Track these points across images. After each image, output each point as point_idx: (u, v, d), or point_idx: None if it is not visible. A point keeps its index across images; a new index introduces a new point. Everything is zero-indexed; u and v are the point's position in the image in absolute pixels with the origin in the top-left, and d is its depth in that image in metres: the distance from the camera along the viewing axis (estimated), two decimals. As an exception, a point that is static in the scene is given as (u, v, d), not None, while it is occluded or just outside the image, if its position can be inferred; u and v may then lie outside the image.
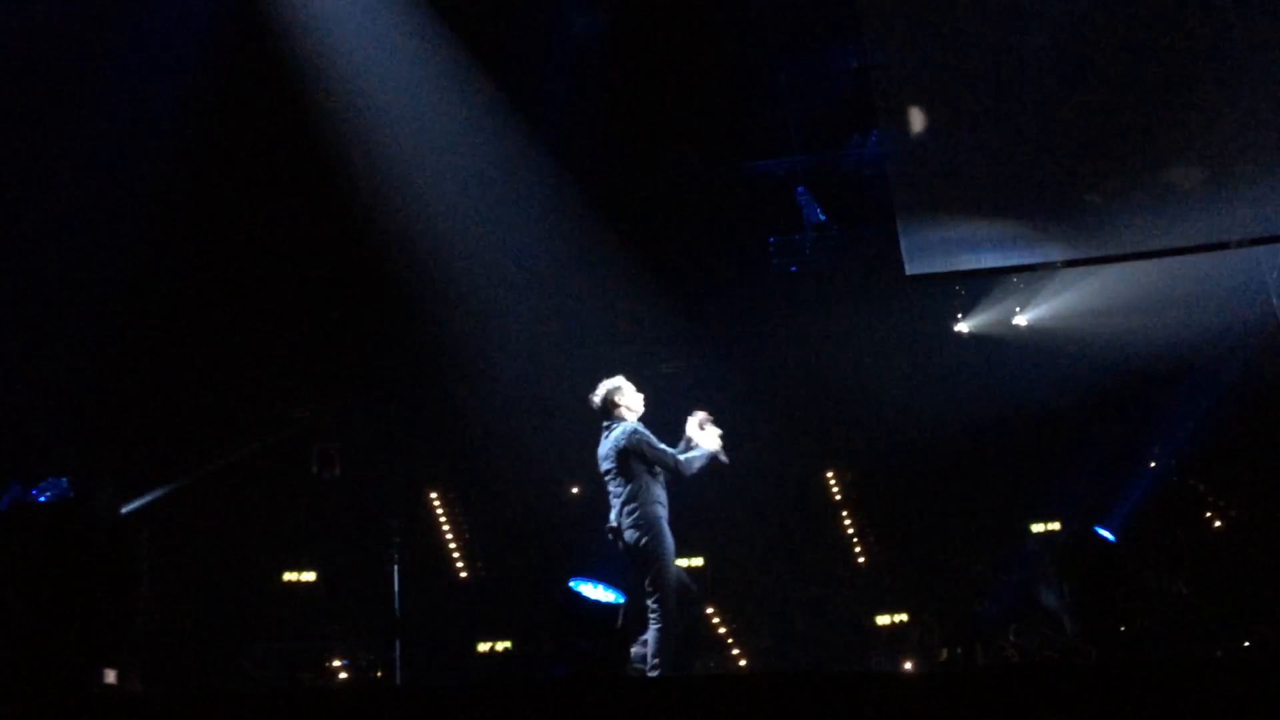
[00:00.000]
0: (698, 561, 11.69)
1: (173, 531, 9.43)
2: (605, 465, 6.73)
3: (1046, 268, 10.10)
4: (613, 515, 6.66)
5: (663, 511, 6.71)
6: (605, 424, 6.79)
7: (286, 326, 11.31)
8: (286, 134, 10.44)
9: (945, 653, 10.32)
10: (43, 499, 6.82)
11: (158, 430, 10.46)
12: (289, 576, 10.68)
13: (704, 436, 6.83)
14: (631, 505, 6.59)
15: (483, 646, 10.73)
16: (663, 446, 6.80)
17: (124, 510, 7.05)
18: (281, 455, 11.18)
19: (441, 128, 10.72)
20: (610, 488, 6.69)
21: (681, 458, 6.77)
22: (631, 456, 6.64)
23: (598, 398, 6.85)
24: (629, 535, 6.58)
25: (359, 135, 10.51)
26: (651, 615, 6.51)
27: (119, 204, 9.70)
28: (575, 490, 12.24)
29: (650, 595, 6.52)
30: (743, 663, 11.25)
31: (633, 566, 6.66)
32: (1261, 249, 10.19)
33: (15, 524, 6.36)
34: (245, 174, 10.70)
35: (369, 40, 10.21)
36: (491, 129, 10.90)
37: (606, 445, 6.75)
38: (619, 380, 6.92)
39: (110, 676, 6.11)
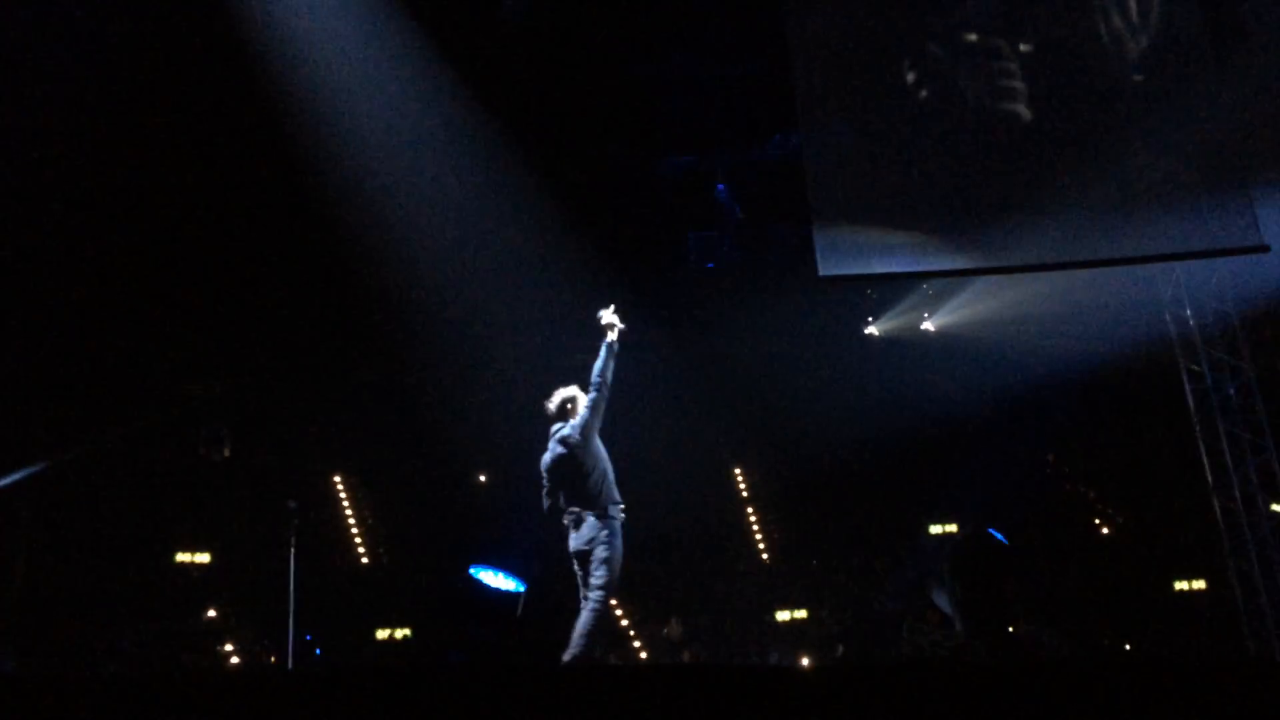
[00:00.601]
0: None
1: (62, 508, 9.08)
2: (560, 468, 6.72)
3: (955, 274, 10.32)
4: (559, 514, 6.71)
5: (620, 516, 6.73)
6: (555, 429, 6.79)
7: (187, 301, 10.92)
8: (188, 100, 10.07)
9: (841, 648, 10.50)
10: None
11: (44, 404, 10.03)
12: (182, 557, 10.35)
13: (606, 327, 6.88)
14: (577, 510, 6.64)
15: (381, 633, 10.56)
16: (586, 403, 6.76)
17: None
18: (179, 433, 10.84)
19: (352, 93, 10.46)
20: (560, 490, 6.69)
21: (595, 377, 6.77)
22: (571, 458, 6.62)
23: (554, 404, 6.87)
24: (571, 542, 6.64)
25: (273, 102, 10.21)
26: (592, 603, 6.57)
27: (33, 150, 9.28)
28: (482, 478, 12.13)
29: (596, 589, 6.59)
30: (644, 655, 11.30)
31: (578, 560, 6.69)
32: (1158, 268, 10.60)
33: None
34: (142, 139, 10.30)
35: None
36: (413, 99, 10.68)
37: (548, 454, 6.77)
38: (575, 389, 6.94)
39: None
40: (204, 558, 10.40)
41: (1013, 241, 9.34)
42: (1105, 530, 12.87)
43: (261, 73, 9.73)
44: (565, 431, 6.63)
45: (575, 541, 6.59)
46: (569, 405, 6.85)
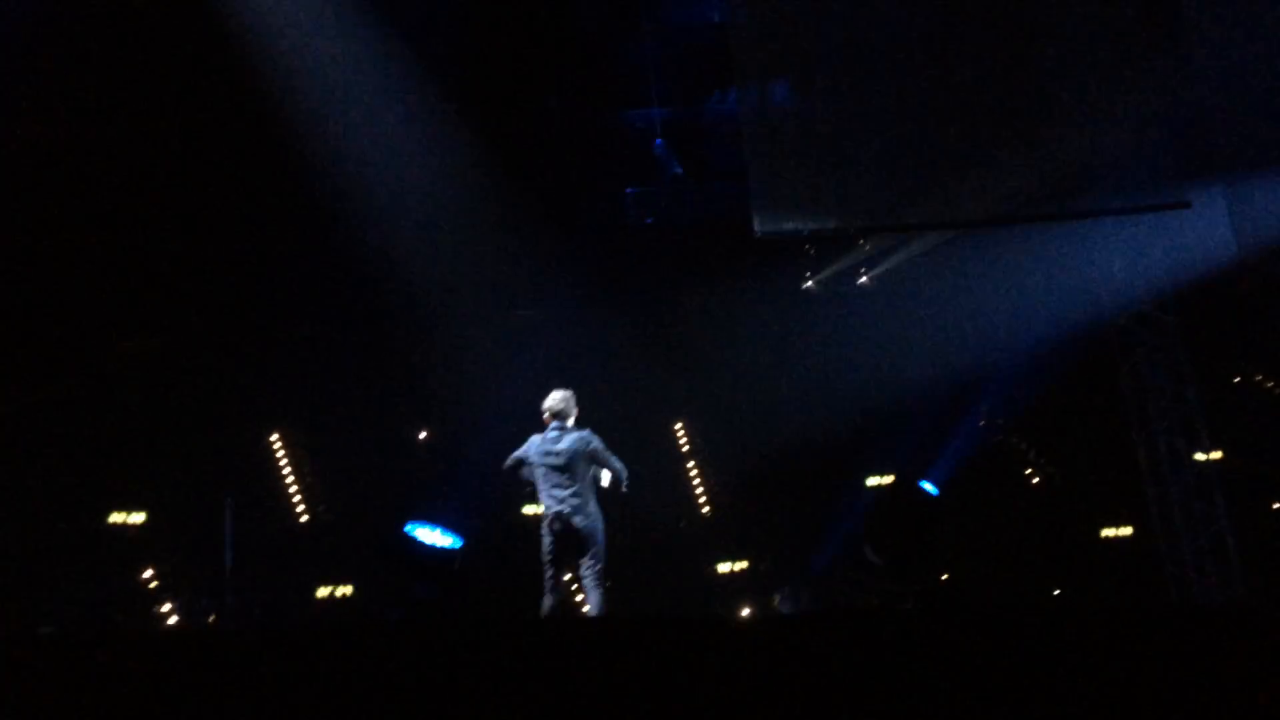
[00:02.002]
0: (541, 508, 11.75)
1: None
2: (560, 461, 7.54)
3: (890, 230, 10.45)
4: (555, 504, 7.51)
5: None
6: (556, 425, 7.61)
7: (122, 256, 10.65)
8: (123, 41, 9.78)
9: (779, 599, 10.71)
10: None
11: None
12: (116, 518, 10.19)
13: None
14: (581, 499, 7.53)
15: (322, 591, 10.53)
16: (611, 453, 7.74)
17: None
18: (111, 390, 10.62)
19: (293, 32, 10.23)
20: (555, 479, 7.52)
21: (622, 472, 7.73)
22: (586, 459, 7.58)
23: (559, 405, 7.67)
24: (578, 521, 7.50)
25: (213, 48, 9.94)
26: (593, 582, 7.62)
27: None
28: (423, 435, 12.08)
29: (592, 567, 7.62)
30: (585, 609, 11.40)
31: (575, 546, 7.58)
32: (1087, 224, 10.83)
33: None
34: (75, 83, 10.00)
35: None
36: (355, 45, 10.48)
37: (566, 444, 7.56)
38: (571, 392, 7.80)
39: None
40: (139, 518, 10.25)
41: (947, 198, 9.48)
42: (1036, 480, 13.21)
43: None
44: (597, 444, 7.64)
45: (582, 520, 7.46)
46: (570, 406, 7.70)
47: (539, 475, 7.50)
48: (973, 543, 10.73)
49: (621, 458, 11.80)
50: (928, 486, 8.83)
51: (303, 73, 10.41)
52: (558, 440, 7.54)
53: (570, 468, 7.49)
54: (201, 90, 10.20)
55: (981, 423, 12.82)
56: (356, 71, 10.66)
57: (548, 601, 7.56)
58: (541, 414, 7.65)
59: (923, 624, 5.95)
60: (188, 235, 10.88)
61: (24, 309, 10.20)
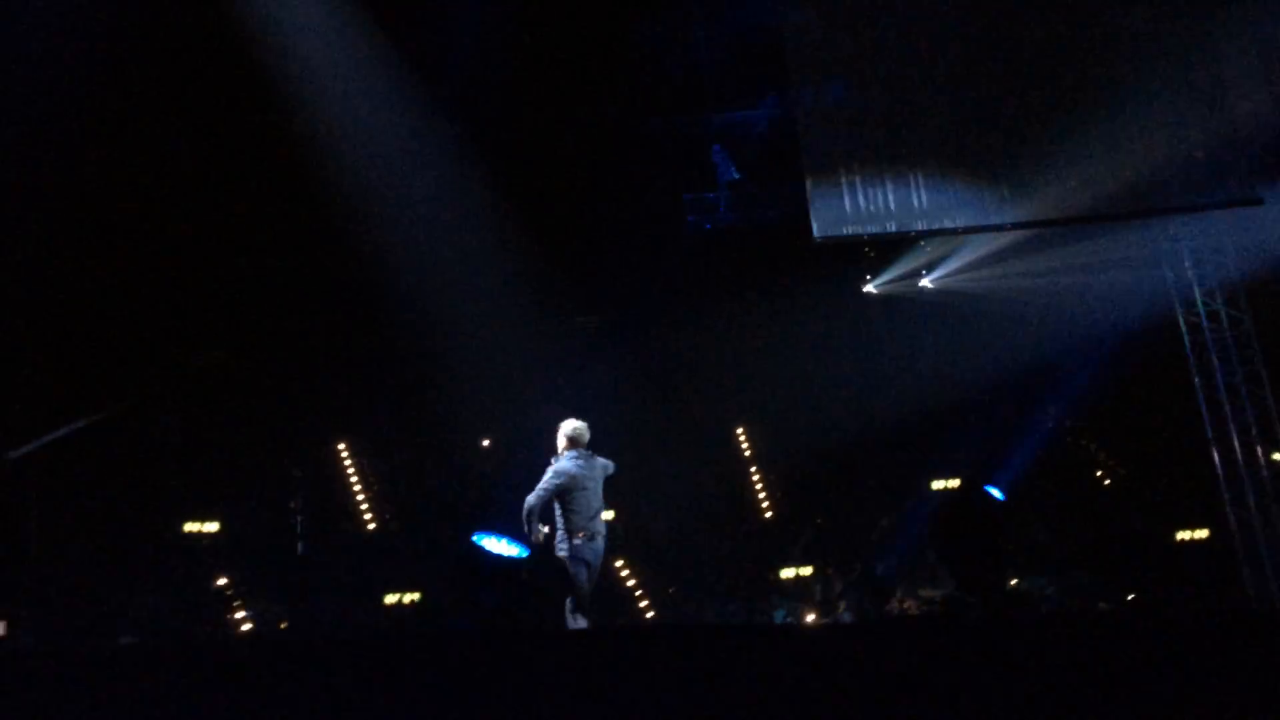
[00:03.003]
0: (608, 515, 11.81)
1: (70, 479, 9.16)
2: (596, 486, 7.78)
3: (951, 233, 10.33)
4: (598, 526, 7.69)
5: None
6: (581, 452, 7.79)
7: (192, 272, 10.96)
8: (200, 81, 10.16)
9: (843, 605, 10.63)
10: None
11: (52, 375, 10.10)
12: (190, 527, 10.45)
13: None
14: (602, 519, 7.76)
15: (390, 599, 10.68)
16: None
17: (12, 456, 6.83)
18: (184, 403, 10.91)
19: (341, 65, 10.48)
20: (596, 503, 7.72)
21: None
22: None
23: (585, 432, 7.86)
24: (603, 541, 7.69)
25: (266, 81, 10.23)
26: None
27: (34, 140, 9.43)
28: (485, 444, 12.21)
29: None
30: (650, 614, 11.43)
31: (598, 561, 7.68)
32: (1157, 222, 10.62)
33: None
34: (156, 112, 10.38)
35: None
36: (395, 81, 10.71)
37: (598, 470, 7.82)
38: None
39: (0, 628, 5.96)
40: (212, 527, 10.50)
41: (1011, 199, 9.35)
42: (1107, 482, 12.94)
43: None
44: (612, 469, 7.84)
45: (603, 546, 7.64)
46: (587, 435, 7.86)
47: (579, 499, 7.59)
48: (1042, 546, 10.55)
49: (683, 464, 11.91)
50: (994, 492, 8.70)
51: (357, 95, 10.65)
52: (592, 465, 7.73)
53: (600, 492, 7.72)
54: (271, 114, 10.48)
55: (1049, 424, 12.60)
56: (411, 86, 10.85)
57: (583, 623, 7.47)
58: (565, 440, 7.74)
59: (991, 630, 5.87)
60: (257, 255, 11.17)
61: (103, 328, 10.56)
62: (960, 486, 10.40)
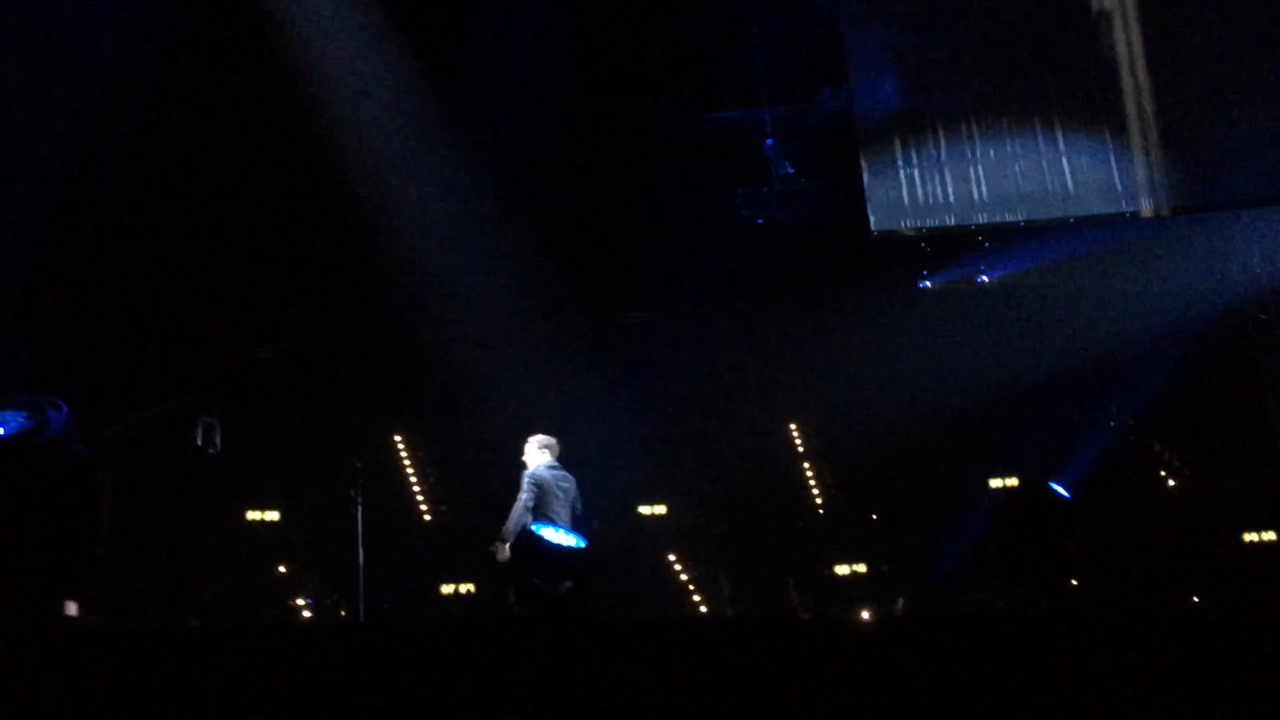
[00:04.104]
0: (660, 509, 11.83)
1: (136, 466, 9.38)
2: (565, 496, 8.19)
3: (1013, 226, 10.17)
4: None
5: None
6: (552, 462, 8.29)
7: (253, 265, 11.18)
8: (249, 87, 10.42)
9: (901, 602, 10.54)
10: (2, 432, 6.75)
11: (119, 365, 10.37)
12: (252, 515, 10.66)
13: None
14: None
15: (446, 588, 10.81)
16: None
17: (85, 444, 7.01)
18: (245, 394, 11.12)
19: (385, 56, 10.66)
20: (563, 510, 8.10)
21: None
22: None
23: (556, 445, 8.41)
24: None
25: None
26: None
27: (105, 131, 9.75)
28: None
29: None
30: (703, 610, 11.42)
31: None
32: (1226, 217, 10.37)
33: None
34: (213, 109, 10.64)
35: None
36: (447, 75, 10.85)
37: (567, 482, 8.28)
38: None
39: (72, 609, 6.12)
40: (273, 516, 10.70)
41: (1075, 192, 9.17)
42: (1172, 483, 12.68)
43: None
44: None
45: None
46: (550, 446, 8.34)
47: (554, 501, 7.98)
48: (1105, 548, 10.36)
49: (734, 459, 11.98)
50: (1059, 489, 8.54)
51: (403, 91, 10.81)
52: (562, 476, 8.18)
53: (569, 506, 8.12)
54: (324, 108, 10.67)
55: (1111, 423, 12.36)
56: (462, 82, 10.97)
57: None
58: (536, 451, 8.22)
59: (1054, 630, 5.79)
60: (314, 248, 11.36)
61: (166, 322, 10.82)
62: (1025, 483, 10.24)
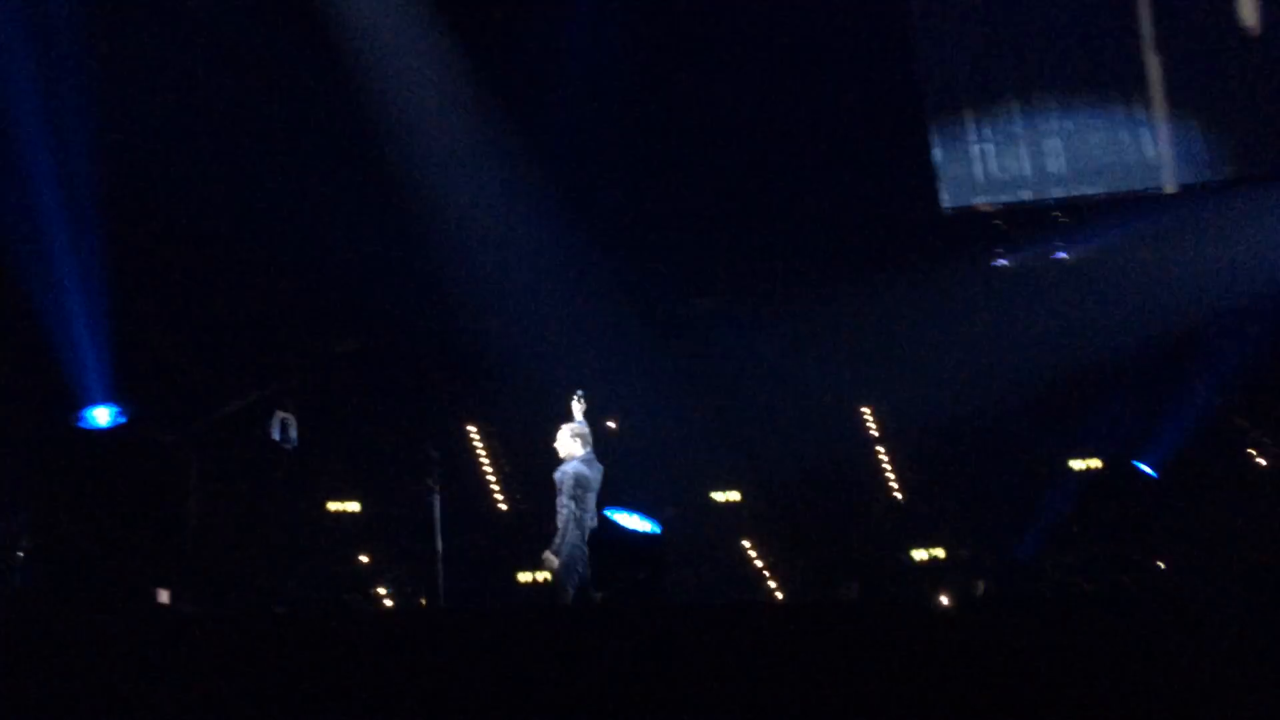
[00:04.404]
0: (734, 495, 11.80)
1: (221, 460, 9.64)
2: (598, 489, 7.98)
3: (1087, 200, 9.90)
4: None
5: None
6: (588, 454, 8.02)
7: (332, 261, 11.41)
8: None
9: (982, 586, 10.37)
10: (96, 426, 7.01)
11: (204, 361, 10.67)
12: (333, 506, 10.90)
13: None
14: None
15: (523, 577, 10.92)
16: None
17: (192, 429, 7.28)
18: (325, 389, 11.37)
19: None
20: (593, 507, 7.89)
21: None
22: None
23: (590, 437, 8.13)
24: None
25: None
26: None
27: (182, 134, 10.07)
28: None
29: None
30: (779, 596, 11.38)
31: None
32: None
33: (70, 451, 6.55)
34: (287, 108, 10.92)
35: None
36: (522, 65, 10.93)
37: (599, 472, 8.03)
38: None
39: (163, 596, 6.32)
40: (353, 507, 10.92)
41: (1150, 164, 8.90)
42: (1262, 462, 12.26)
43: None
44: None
45: None
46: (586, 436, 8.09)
47: (591, 498, 7.79)
48: (1192, 530, 10.06)
49: (806, 444, 11.87)
50: (1144, 468, 8.31)
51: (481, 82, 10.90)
52: (597, 468, 7.93)
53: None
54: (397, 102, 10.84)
55: (1197, 401, 11.99)
56: (539, 73, 11.03)
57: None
58: (572, 442, 7.95)
59: (1143, 610, 5.66)
60: (390, 243, 11.55)
61: (248, 318, 11.12)
62: (1110, 463, 9.99)
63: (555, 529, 7.82)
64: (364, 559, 10.58)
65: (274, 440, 7.02)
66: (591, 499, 7.76)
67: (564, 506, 7.73)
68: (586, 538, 7.62)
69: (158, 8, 10.25)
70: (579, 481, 7.73)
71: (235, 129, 10.69)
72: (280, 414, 7.09)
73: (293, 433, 7.08)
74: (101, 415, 7.18)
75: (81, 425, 7.20)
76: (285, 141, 11.04)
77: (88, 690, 5.24)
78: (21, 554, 6.94)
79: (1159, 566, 7.44)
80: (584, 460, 7.86)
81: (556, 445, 8.04)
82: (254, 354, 11.19)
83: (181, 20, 10.25)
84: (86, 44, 9.63)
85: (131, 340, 9.02)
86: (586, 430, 8.05)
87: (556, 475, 7.87)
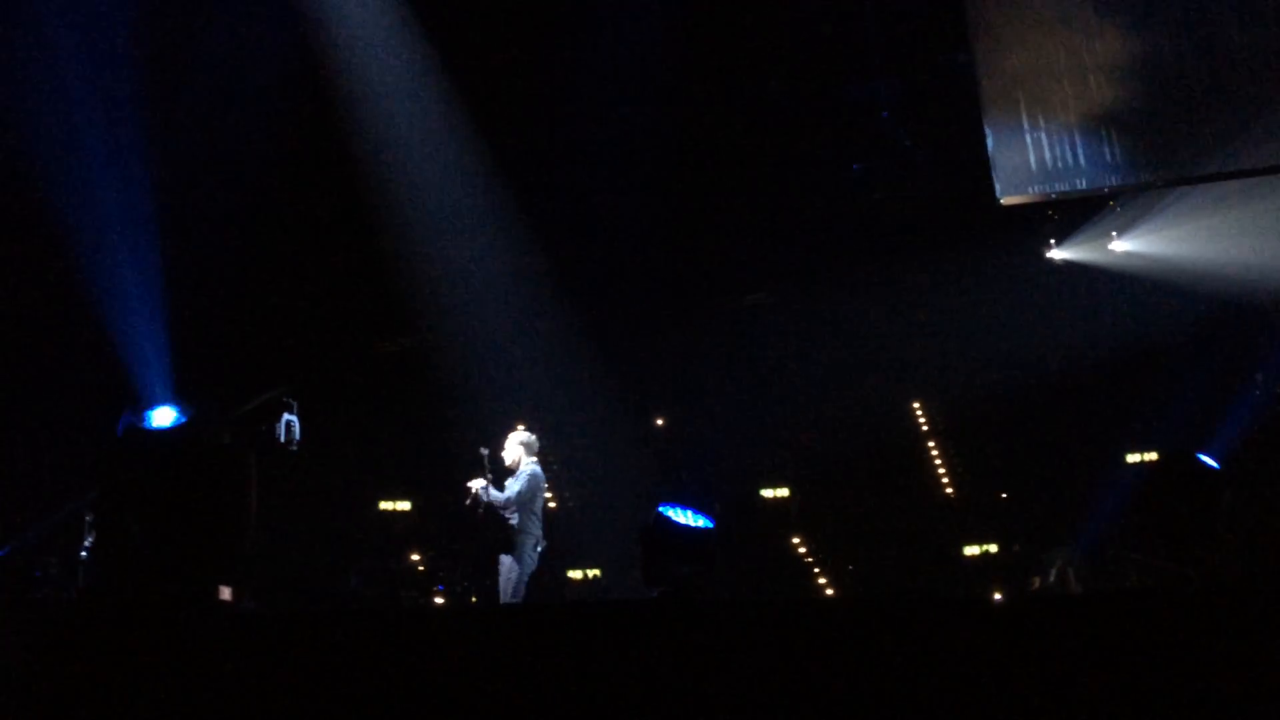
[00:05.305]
0: (783, 492, 11.77)
1: (276, 459, 9.78)
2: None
3: (1147, 188, 9.70)
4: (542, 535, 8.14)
5: None
6: (536, 460, 8.27)
7: (381, 263, 11.52)
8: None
9: (1037, 582, 10.24)
10: (158, 427, 7.12)
11: (252, 361, 10.84)
12: (385, 505, 11.02)
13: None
14: None
15: (574, 573, 10.97)
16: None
17: (234, 417, 7.40)
18: (373, 389, 11.49)
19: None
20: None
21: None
22: None
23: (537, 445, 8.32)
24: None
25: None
26: None
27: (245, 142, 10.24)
28: (659, 421, 12.34)
29: None
30: (829, 592, 11.33)
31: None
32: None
33: (131, 450, 6.66)
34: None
35: None
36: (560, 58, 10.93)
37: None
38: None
39: (225, 594, 6.40)
40: (405, 505, 11.04)
41: (1212, 150, 8.68)
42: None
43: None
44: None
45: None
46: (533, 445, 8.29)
47: (540, 505, 8.06)
48: (1257, 522, 9.85)
49: (856, 439, 11.78)
50: (1207, 460, 8.11)
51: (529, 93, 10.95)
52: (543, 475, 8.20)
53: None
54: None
55: (1256, 392, 11.74)
56: (576, 67, 11.03)
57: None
58: (523, 450, 8.10)
59: (1206, 605, 5.54)
60: (439, 243, 11.63)
61: (298, 318, 11.28)
62: (1170, 453, 9.79)
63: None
64: (416, 557, 10.69)
65: (280, 442, 7.09)
66: (541, 505, 8.08)
67: (511, 490, 7.99)
68: (537, 545, 7.99)
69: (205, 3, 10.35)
70: (533, 476, 8.01)
71: (292, 128, 10.71)
72: (286, 416, 7.17)
73: (296, 433, 7.15)
74: (163, 416, 7.34)
75: (144, 426, 7.34)
76: (332, 144, 11.11)
77: (152, 686, 5.33)
78: (85, 554, 7.09)
79: (1222, 561, 7.27)
80: (535, 464, 8.15)
81: (506, 451, 8.23)
82: (308, 354, 11.34)
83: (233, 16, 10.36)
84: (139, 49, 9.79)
85: (192, 341, 9.18)
86: (534, 441, 8.28)
87: (521, 486, 8.05)
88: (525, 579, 7.94)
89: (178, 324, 8.95)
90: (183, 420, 6.91)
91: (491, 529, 8.05)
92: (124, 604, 6.10)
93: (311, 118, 10.39)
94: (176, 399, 6.64)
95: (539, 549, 8.02)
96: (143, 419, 7.28)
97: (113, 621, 5.73)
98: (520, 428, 8.30)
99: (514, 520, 7.92)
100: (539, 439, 8.33)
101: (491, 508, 7.90)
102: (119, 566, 6.24)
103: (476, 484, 7.92)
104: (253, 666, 5.32)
